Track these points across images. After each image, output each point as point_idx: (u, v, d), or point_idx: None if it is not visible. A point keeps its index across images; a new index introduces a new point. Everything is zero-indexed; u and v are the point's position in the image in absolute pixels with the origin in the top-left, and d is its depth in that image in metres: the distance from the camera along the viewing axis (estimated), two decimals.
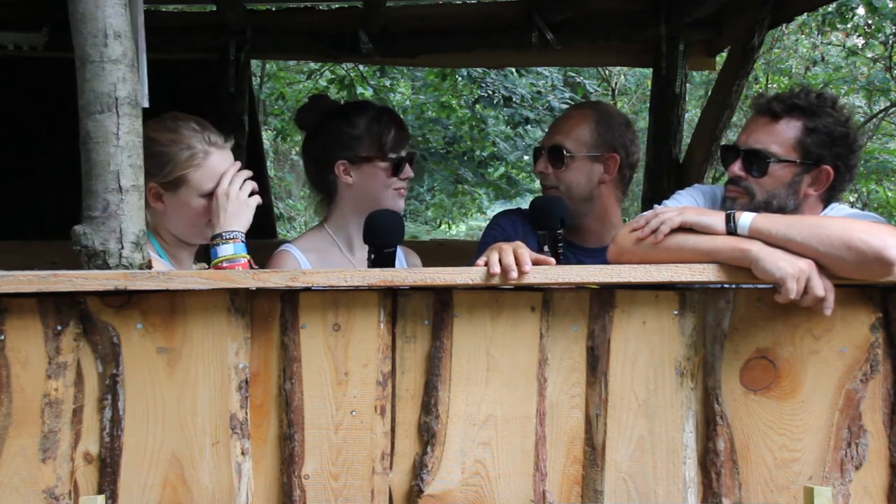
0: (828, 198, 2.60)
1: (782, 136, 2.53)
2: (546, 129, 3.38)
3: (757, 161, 2.53)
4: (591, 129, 2.93)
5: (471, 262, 2.60)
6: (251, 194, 2.52)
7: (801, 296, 2.17)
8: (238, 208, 2.49)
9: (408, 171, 2.92)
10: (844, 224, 2.23)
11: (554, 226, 2.64)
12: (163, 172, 2.51)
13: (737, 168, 2.56)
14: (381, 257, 2.46)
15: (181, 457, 2.15)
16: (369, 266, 2.51)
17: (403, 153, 2.90)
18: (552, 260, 2.25)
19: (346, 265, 2.87)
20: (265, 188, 5.43)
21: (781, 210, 2.50)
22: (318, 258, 2.85)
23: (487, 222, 3.16)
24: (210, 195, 2.54)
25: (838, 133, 2.52)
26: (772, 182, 2.53)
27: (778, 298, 2.18)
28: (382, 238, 2.47)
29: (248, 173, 2.56)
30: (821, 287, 2.17)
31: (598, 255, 2.81)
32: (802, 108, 2.52)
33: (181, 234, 2.60)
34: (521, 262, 2.18)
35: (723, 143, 2.75)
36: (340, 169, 2.88)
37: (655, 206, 2.62)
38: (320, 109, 3.00)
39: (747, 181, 2.55)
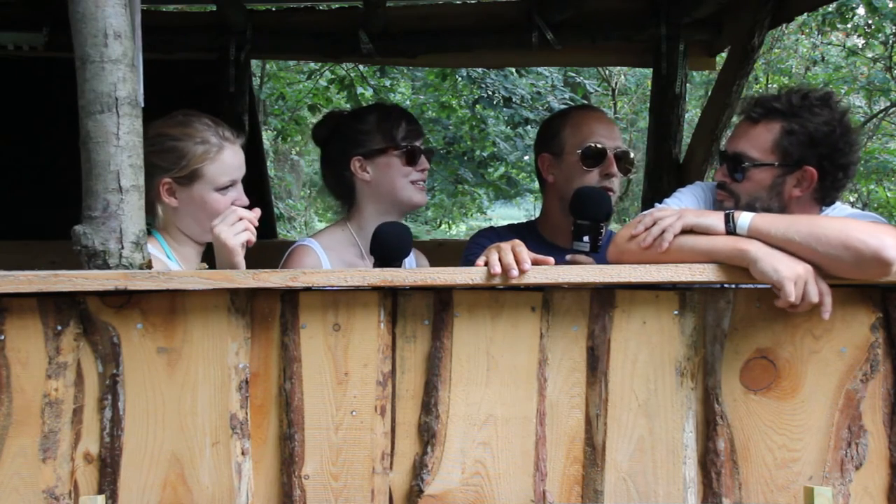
0: (822, 197, 2.59)
1: (760, 139, 2.54)
2: None
3: (734, 165, 2.56)
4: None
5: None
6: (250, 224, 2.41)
7: (799, 300, 2.17)
8: (229, 258, 2.37)
9: (423, 163, 2.93)
10: (843, 224, 2.23)
11: (601, 217, 2.61)
12: (177, 166, 2.52)
13: (720, 174, 2.61)
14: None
15: (181, 457, 2.15)
16: None
17: (417, 144, 2.93)
18: (550, 259, 2.25)
19: (363, 267, 2.86)
20: (265, 188, 5.43)
21: (768, 211, 2.49)
22: (337, 257, 2.85)
23: (487, 222, 3.17)
24: (225, 189, 2.56)
25: (820, 133, 2.50)
26: (751, 186, 2.54)
27: (778, 303, 2.19)
28: (387, 252, 2.47)
29: (242, 209, 2.44)
30: (815, 293, 2.18)
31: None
32: (781, 111, 2.53)
33: (192, 231, 2.60)
34: (521, 260, 2.18)
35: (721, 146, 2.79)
36: (356, 165, 2.89)
37: (657, 204, 2.62)
38: (333, 121, 3.04)
39: (731, 185, 2.57)
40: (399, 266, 2.47)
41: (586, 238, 2.58)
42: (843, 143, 2.53)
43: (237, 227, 2.33)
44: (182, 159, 2.53)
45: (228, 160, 2.58)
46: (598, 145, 2.94)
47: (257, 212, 2.42)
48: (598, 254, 2.60)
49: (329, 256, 2.83)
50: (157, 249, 2.54)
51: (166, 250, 2.55)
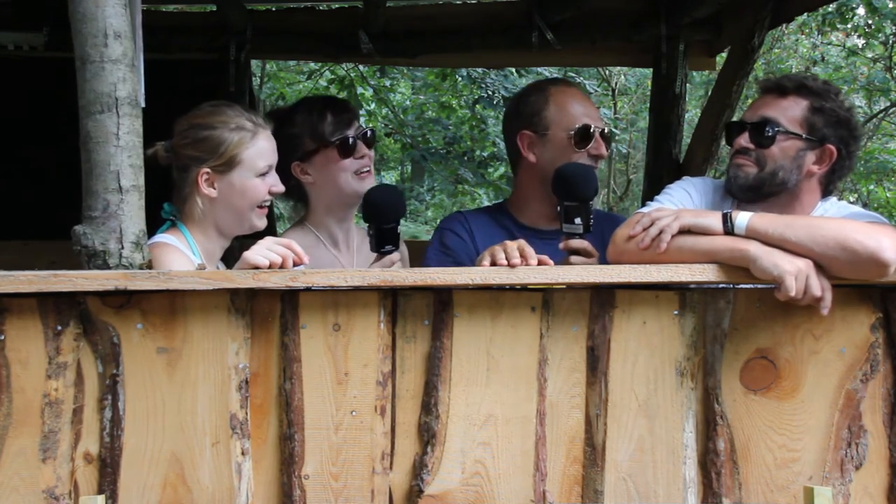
0: (828, 182, 2.64)
1: (789, 110, 2.57)
2: None
3: (764, 130, 2.56)
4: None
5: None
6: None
7: (800, 294, 2.17)
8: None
9: (361, 149, 2.86)
10: (840, 224, 2.23)
11: (590, 196, 2.53)
12: (215, 155, 2.52)
13: (743, 140, 2.59)
14: (382, 234, 2.47)
15: (181, 457, 2.15)
16: (372, 242, 2.54)
17: (349, 133, 2.85)
18: (544, 258, 2.26)
19: (332, 260, 2.87)
20: None
21: (784, 184, 2.55)
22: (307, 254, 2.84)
23: None
24: (263, 174, 2.57)
25: (842, 116, 2.58)
26: (778, 153, 2.56)
27: (778, 295, 2.19)
28: (378, 216, 2.49)
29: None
30: (818, 286, 2.18)
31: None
32: (810, 89, 2.58)
33: (229, 222, 2.59)
34: (527, 256, 2.19)
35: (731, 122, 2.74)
36: (297, 170, 2.87)
37: (649, 202, 2.62)
38: (274, 120, 2.93)
39: (756, 150, 2.57)
40: (394, 226, 2.50)
41: (578, 220, 2.50)
42: (857, 131, 2.63)
43: (268, 253, 2.24)
44: (219, 147, 2.52)
45: (264, 145, 2.58)
46: (588, 125, 2.87)
47: (293, 247, 2.28)
48: (591, 234, 2.56)
49: None
50: (183, 243, 2.53)
51: (192, 245, 2.55)
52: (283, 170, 2.84)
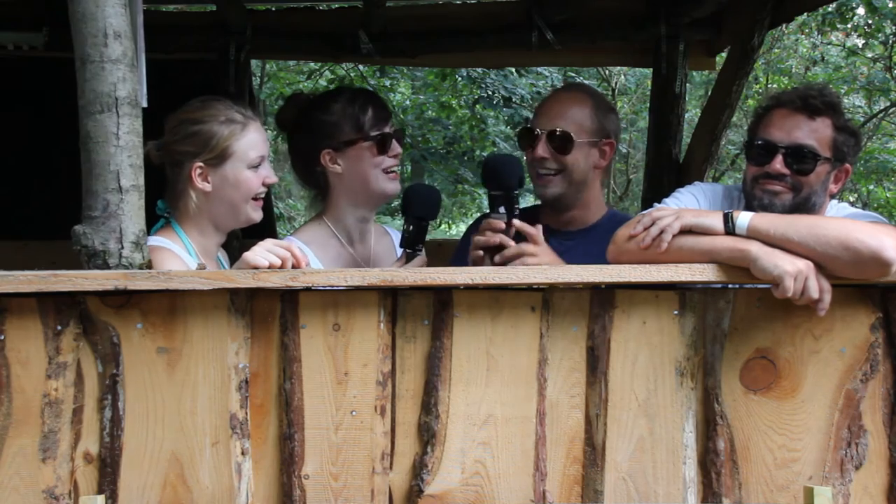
0: (833, 195, 2.65)
1: (820, 133, 2.55)
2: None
3: (803, 158, 2.53)
4: (591, 115, 2.85)
5: (450, 263, 2.73)
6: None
7: (797, 295, 2.17)
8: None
9: (395, 148, 2.84)
10: (842, 224, 2.23)
11: (512, 185, 2.57)
12: (207, 148, 2.53)
13: (779, 165, 2.54)
14: (419, 229, 2.53)
15: (181, 457, 2.15)
16: (404, 237, 2.59)
17: (387, 130, 2.83)
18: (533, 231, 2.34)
19: (347, 258, 2.85)
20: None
21: (813, 207, 2.54)
22: (320, 251, 2.83)
23: None
24: (255, 166, 2.57)
25: (854, 129, 2.59)
26: (814, 178, 2.54)
27: (775, 293, 2.19)
28: (421, 209, 2.54)
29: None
30: (816, 289, 2.17)
31: (580, 238, 2.81)
32: (833, 106, 2.56)
33: (225, 216, 2.60)
34: None
35: (746, 139, 2.68)
36: (326, 158, 2.82)
37: (655, 204, 2.62)
38: (297, 106, 2.94)
39: (791, 177, 2.54)
40: (426, 225, 2.58)
41: (502, 209, 2.55)
42: (861, 141, 2.63)
43: (267, 254, 2.23)
44: (210, 140, 2.53)
45: (255, 136, 2.59)
46: (528, 126, 2.89)
47: (293, 250, 2.28)
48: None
49: (313, 251, 2.80)
50: (177, 244, 2.53)
51: (187, 244, 2.55)
52: (310, 155, 2.85)
